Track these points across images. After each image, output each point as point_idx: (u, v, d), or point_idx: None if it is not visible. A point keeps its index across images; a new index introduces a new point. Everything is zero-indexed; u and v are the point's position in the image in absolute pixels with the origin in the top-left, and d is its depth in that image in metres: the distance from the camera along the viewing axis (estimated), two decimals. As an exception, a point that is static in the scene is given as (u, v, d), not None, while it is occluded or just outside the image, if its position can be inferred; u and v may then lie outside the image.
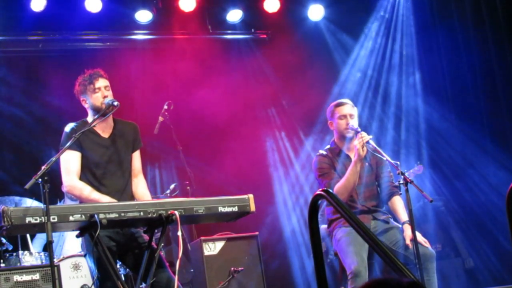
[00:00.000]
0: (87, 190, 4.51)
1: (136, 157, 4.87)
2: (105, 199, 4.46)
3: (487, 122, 7.88)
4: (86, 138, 4.60)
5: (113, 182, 4.63)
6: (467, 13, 8.01)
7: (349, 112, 5.44)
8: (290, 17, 8.73)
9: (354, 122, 5.41)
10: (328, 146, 5.59)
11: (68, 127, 4.66)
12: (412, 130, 8.36)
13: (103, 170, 4.62)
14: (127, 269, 5.62)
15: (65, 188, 4.63)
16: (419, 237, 5.07)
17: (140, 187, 4.84)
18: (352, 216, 2.98)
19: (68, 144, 4.40)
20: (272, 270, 8.12)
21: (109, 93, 4.72)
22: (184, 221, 4.43)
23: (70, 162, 4.56)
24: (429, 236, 7.41)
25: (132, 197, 4.76)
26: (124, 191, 4.65)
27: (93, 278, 4.40)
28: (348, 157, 5.43)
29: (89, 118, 4.75)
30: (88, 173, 4.61)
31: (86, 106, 4.75)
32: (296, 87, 8.92)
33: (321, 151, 5.56)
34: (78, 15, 7.68)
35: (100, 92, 4.69)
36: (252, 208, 4.40)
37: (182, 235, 4.13)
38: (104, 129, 4.74)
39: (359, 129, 5.29)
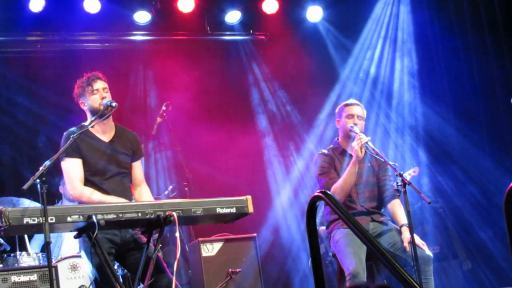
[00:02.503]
0: (96, 195, 4.48)
1: (138, 166, 4.87)
2: (115, 201, 4.45)
3: (486, 124, 7.88)
4: (84, 143, 4.59)
5: (111, 186, 4.61)
6: (466, 17, 8.02)
7: (357, 112, 5.45)
8: (288, 19, 8.74)
9: (360, 124, 5.40)
10: (331, 146, 5.60)
11: (66, 133, 4.64)
12: (411, 132, 8.36)
13: (102, 175, 4.61)
14: (125, 270, 5.61)
15: (71, 196, 4.61)
16: (417, 239, 5.07)
17: (144, 196, 4.83)
18: (350, 218, 2.98)
19: (65, 147, 4.39)
20: (269, 271, 8.12)
21: (108, 95, 4.72)
22: (182, 222, 4.42)
23: (72, 170, 4.56)
24: (427, 238, 7.43)
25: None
26: (123, 196, 4.63)
27: (91, 279, 4.39)
28: (350, 157, 5.43)
29: (88, 122, 4.74)
30: (88, 179, 4.59)
31: (84, 108, 4.75)
32: (295, 88, 8.92)
33: (323, 150, 5.57)
34: (77, 15, 7.67)
35: (98, 94, 4.69)
36: (250, 209, 4.39)
37: (180, 236, 4.12)
38: (104, 133, 4.73)
39: (357, 131, 5.30)
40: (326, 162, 5.46)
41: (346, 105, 5.53)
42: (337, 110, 5.61)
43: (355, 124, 5.37)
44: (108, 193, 4.57)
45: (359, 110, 5.49)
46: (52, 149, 7.14)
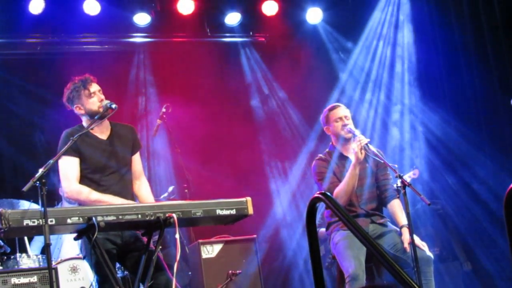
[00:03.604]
0: (94, 194, 4.49)
1: (137, 159, 4.87)
2: (117, 201, 4.46)
3: (485, 124, 7.88)
4: (83, 142, 4.59)
5: (112, 184, 4.62)
6: (465, 18, 8.02)
7: (343, 114, 5.47)
8: (288, 20, 8.74)
9: (350, 124, 5.43)
10: (327, 150, 5.60)
11: (65, 133, 4.65)
12: (411, 133, 8.36)
13: (102, 173, 4.61)
14: (125, 272, 5.62)
15: (66, 194, 4.61)
16: (417, 240, 5.06)
17: (142, 189, 4.84)
18: (350, 219, 2.98)
19: (65, 147, 4.39)
20: (269, 273, 8.12)
21: (103, 96, 4.72)
22: (182, 223, 4.43)
23: (68, 168, 4.55)
24: (427, 239, 7.42)
25: (132, 199, 4.76)
26: (123, 193, 4.64)
27: (91, 281, 4.39)
28: (347, 159, 5.43)
29: (85, 123, 4.74)
30: (86, 177, 4.59)
31: (81, 112, 4.71)
32: (294, 90, 8.92)
33: (320, 155, 5.57)
34: (77, 17, 7.68)
35: (96, 97, 4.68)
36: (250, 211, 4.40)
37: (180, 238, 4.12)
38: (101, 132, 4.73)
39: (356, 132, 5.30)
40: (324, 167, 5.46)
41: (330, 110, 5.56)
42: (322, 119, 5.62)
43: (345, 125, 5.39)
44: (108, 189, 4.56)
45: (343, 111, 5.52)
46: (51, 151, 7.14)
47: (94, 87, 4.71)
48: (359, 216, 5.31)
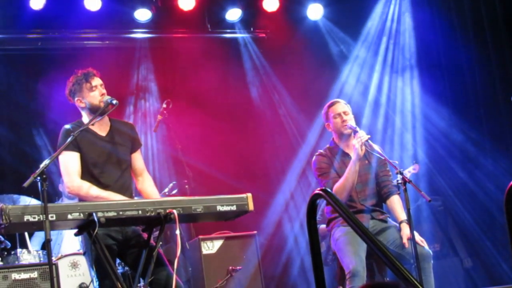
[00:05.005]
0: (94, 190, 4.48)
1: (138, 157, 4.86)
2: (116, 197, 4.46)
3: (486, 120, 7.88)
4: (83, 137, 4.57)
5: (111, 180, 4.61)
6: (466, 14, 8.01)
7: (342, 110, 5.47)
8: (289, 16, 8.74)
9: (350, 120, 5.43)
10: (328, 145, 5.60)
11: (64, 128, 4.64)
12: (411, 129, 8.36)
13: (101, 169, 4.61)
14: (125, 268, 5.62)
15: (68, 189, 4.60)
16: (416, 236, 5.07)
17: (146, 184, 4.84)
18: (351, 216, 2.98)
19: (66, 142, 4.38)
20: (270, 269, 8.12)
21: (105, 91, 4.72)
22: (183, 220, 4.42)
23: (69, 163, 4.54)
24: (427, 236, 7.43)
25: (131, 196, 4.75)
26: (122, 189, 4.63)
27: (92, 276, 4.40)
28: (347, 155, 5.43)
29: (84, 118, 4.72)
30: (86, 172, 4.59)
31: (81, 106, 4.70)
32: (295, 86, 8.92)
33: (321, 151, 5.57)
34: (78, 13, 7.68)
35: (97, 91, 4.67)
36: (251, 207, 4.40)
37: (180, 233, 4.13)
38: (101, 128, 4.72)
39: (357, 129, 5.30)
40: (325, 163, 5.46)
41: (329, 106, 5.56)
42: (323, 115, 5.62)
43: (344, 121, 5.39)
44: (107, 187, 4.56)
45: (342, 106, 5.52)
46: (52, 146, 7.14)
47: (96, 81, 4.70)
48: (360, 212, 5.32)
